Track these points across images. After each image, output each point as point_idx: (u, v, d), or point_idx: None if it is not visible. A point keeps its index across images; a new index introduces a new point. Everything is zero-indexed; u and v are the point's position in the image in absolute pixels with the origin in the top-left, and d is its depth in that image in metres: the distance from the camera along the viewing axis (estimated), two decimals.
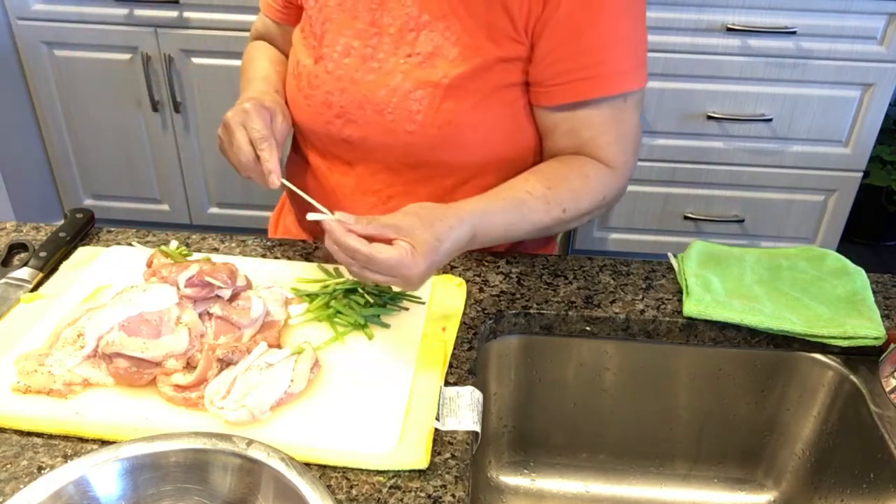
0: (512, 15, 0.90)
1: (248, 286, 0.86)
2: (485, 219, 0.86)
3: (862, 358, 0.88)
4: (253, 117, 0.90)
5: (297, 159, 1.11)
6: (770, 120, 2.04)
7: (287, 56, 1.11)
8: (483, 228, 0.85)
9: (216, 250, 1.00)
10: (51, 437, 0.72)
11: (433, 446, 0.72)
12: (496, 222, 0.87)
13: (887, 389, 0.79)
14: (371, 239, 0.77)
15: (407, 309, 0.88)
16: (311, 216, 0.79)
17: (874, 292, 0.92)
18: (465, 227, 0.82)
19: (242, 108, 0.92)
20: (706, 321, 0.89)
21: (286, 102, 1.04)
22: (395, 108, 0.94)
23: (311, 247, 1.01)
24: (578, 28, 0.89)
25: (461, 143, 0.95)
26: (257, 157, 0.89)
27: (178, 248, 0.92)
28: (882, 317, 0.88)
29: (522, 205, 0.89)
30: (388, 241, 0.77)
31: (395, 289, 0.88)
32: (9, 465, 0.69)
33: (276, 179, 0.88)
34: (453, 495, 0.67)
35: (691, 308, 0.88)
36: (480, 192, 0.90)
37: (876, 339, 0.85)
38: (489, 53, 0.91)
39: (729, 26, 1.93)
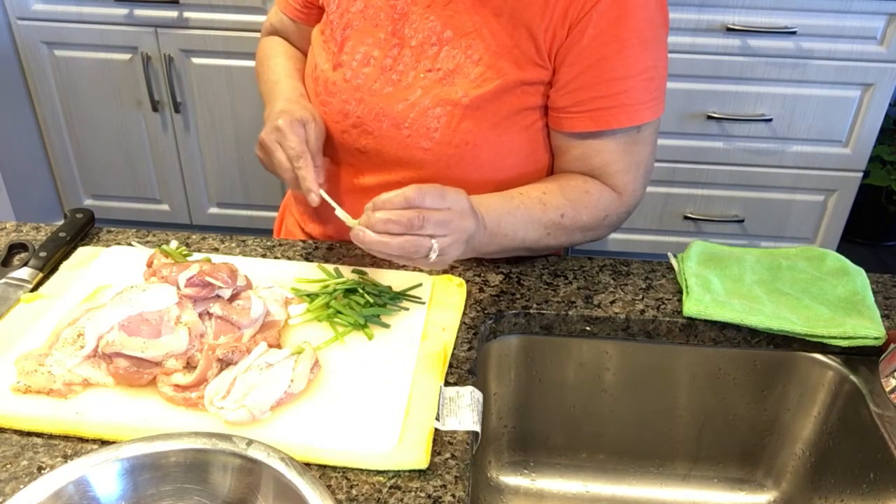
0: (536, 39, 0.90)
1: (248, 286, 0.86)
2: (481, 201, 0.87)
3: (862, 358, 0.87)
4: (287, 134, 0.89)
5: None
6: (770, 120, 2.04)
7: (303, 53, 1.10)
8: (479, 202, 0.86)
9: (216, 250, 0.99)
10: (51, 437, 0.72)
11: (433, 446, 0.72)
12: (492, 205, 0.88)
13: (887, 389, 0.79)
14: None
15: (407, 309, 0.88)
16: (339, 212, 0.82)
17: (874, 292, 0.92)
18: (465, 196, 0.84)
19: (276, 125, 0.91)
20: (706, 321, 0.89)
21: None
22: (413, 123, 0.94)
23: (311, 247, 1.01)
24: (602, 57, 0.89)
25: (476, 164, 0.94)
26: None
27: (178, 248, 0.92)
28: (882, 317, 0.88)
29: (515, 199, 0.90)
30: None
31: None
32: (9, 465, 0.69)
33: (316, 198, 0.87)
34: (453, 495, 0.67)
35: (691, 308, 0.88)
36: None
37: (876, 339, 0.85)
38: (511, 76, 0.91)
39: (729, 26, 1.93)
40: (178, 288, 0.80)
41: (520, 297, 0.92)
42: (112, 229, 1.04)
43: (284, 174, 0.90)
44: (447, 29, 0.92)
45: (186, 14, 2.05)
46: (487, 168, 0.95)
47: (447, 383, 0.79)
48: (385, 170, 0.99)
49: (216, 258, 0.92)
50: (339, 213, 0.83)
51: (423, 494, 0.67)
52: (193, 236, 1.02)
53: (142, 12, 2.05)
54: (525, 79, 0.91)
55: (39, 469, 0.69)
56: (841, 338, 0.86)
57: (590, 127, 0.92)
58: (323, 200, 0.87)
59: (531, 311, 0.90)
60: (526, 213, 0.90)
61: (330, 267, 0.95)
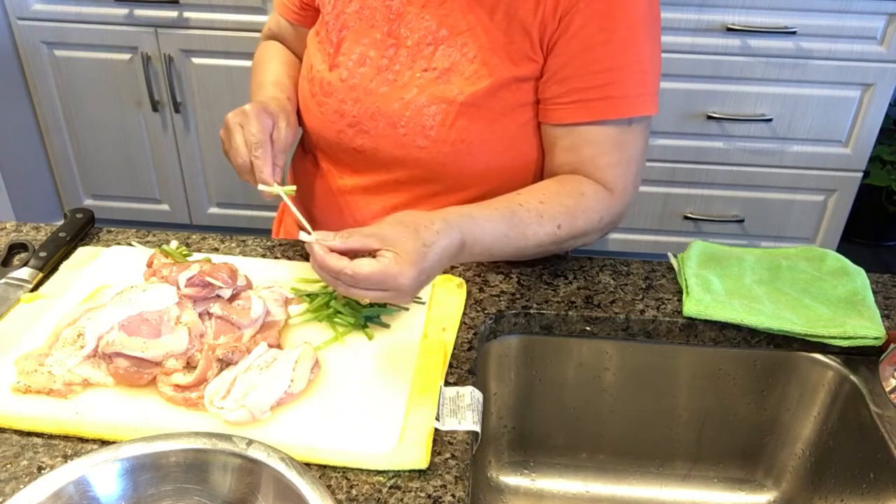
0: (530, 34, 0.89)
1: (248, 286, 0.86)
2: (474, 224, 0.81)
3: (862, 358, 0.87)
4: (251, 120, 0.88)
5: (305, 159, 1.10)
6: (770, 120, 2.05)
7: (300, 57, 1.10)
8: (473, 235, 0.81)
9: (216, 250, 0.99)
10: (51, 437, 0.72)
11: (433, 446, 0.72)
12: (487, 230, 0.82)
13: (887, 389, 0.79)
14: (355, 253, 0.74)
15: (407, 309, 0.88)
16: (301, 236, 0.76)
17: (874, 292, 0.92)
18: (453, 231, 0.78)
19: (242, 109, 0.89)
20: (706, 321, 0.89)
21: (298, 106, 1.03)
22: (409, 121, 0.93)
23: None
24: (590, 45, 0.88)
25: (472, 161, 0.94)
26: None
27: (178, 247, 0.92)
28: (882, 317, 0.88)
29: (514, 215, 0.85)
30: (373, 254, 0.73)
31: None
32: (9, 465, 0.69)
33: (266, 195, 0.84)
34: (453, 495, 0.67)
35: (691, 308, 0.88)
36: None
37: (876, 339, 0.85)
38: (506, 72, 0.91)
39: (729, 26, 1.93)
40: (178, 288, 0.80)
41: (520, 297, 0.92)
42: (112, 229, 1.04)
43: (237, 159, 0.87)
44: (442, 28, 0.92)
45: (186, 14, 2.05)
46: (483, 166, 0.95)
47: (447, 383, 0.79)
48: (382, 169, 0.99)
49: (216, 258, 0.92)
50: (300, 218, 0.79)
51: (423, 494, 0.67)
52: (193, 236, 1.02)
53: (142, 12, 2.05)
54: (519, 75, 0.91)
55: (39, 469, 0.69)
56: (841, 338, 0.86)
57: (576, 118, 0.90)
58: (275, 197, 0.84)
59: (531, 311, 0.90)
60: (522, 234, 0.86)
61: None
